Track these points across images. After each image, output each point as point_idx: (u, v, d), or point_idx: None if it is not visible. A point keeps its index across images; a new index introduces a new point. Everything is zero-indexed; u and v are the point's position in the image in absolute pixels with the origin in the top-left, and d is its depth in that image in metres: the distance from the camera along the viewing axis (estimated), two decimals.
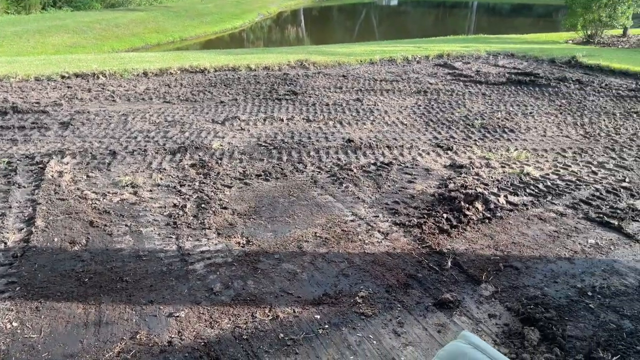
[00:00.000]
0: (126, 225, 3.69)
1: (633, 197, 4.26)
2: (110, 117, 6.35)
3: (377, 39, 20.20)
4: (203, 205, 4.02)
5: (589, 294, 2.94)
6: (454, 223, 3.80)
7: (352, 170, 4.77)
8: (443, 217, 3.88)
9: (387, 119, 6.51)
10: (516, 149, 5.43)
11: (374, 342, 2.56)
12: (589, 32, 14.81)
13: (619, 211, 3.98)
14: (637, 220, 3.83)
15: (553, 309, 2.79)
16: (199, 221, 3.77)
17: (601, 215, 3.91)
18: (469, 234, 3.64)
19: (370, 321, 2.71)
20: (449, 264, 3.25)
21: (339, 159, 5.09)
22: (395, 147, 5.47)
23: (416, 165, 4.97)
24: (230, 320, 2.72)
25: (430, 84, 8.58)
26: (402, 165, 4.96)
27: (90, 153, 5.12)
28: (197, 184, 4.44)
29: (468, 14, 33.30)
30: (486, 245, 3.50)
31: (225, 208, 3.99)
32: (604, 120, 6.48)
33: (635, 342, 2.55)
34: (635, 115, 6.67)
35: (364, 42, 16.66)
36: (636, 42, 14.48)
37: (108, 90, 7.74)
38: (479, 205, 4.05)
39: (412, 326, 2.68)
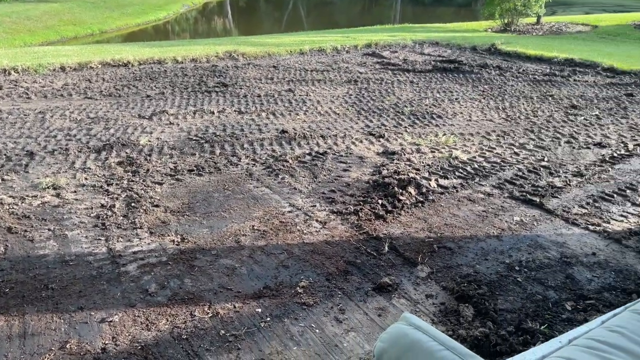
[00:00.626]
0: (49, 230, 3.47)
1: (552, 175, 4.53)
2: (25, 115, 5.93)
3: (305, 29, 20.19)
4: (133, 204, 3.85)
5: (517, 268, 3.10)
6: (389, 208, 3.87)
7: (288, 161, 4.75)
8: (378, 203, 3.94)
9: (320, 109, 6.52)
10: (444, 134, 5.62)
11: (317, 330, 2.57)
12: (506, 21, 15.57)
13: (539, 189, 4.22)
14: (556, 197, 4.08)
15: (485, 285, 2.92)
16: (130, 221, 3.61)
17: (524, 194, 4.13)
18: (403, 218, 3.73)
19: (312, 310, 2.72)
20: (386, 248, 3.31)
21: (273, 151, 5.05)
22: (329, 136, 5.50)
23: (350, 153, 5.03)
24: (168, 320, 2.62)
25: (360, 73, 8.69)
26: (337, 154, 4.99)
27: (5, 155, 4.76)
28: (125, 182, 4.24)
29: (393, 4, 34.01)
30: (420, 228, 3.60)
31: (157, 206, 3.85)
32: (523, 103, 6.85)
33: (560, 310, 2.72)
34: (550, 99, 7.09)
35: (293, 32, 16.59)
36: (549, 29, 15.41)
37: (21, 87, 7.22)
38: (412, 189, 4.15)
39: (354, 312, 2.71)
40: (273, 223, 3.63)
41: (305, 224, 3.63)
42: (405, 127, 5.90)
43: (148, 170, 4.50)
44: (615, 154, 4.96)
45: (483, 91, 7.53)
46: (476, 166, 4.73)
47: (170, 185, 4.22)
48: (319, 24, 22.90)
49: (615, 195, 4.09)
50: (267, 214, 3.77)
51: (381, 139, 5.46)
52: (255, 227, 3.57)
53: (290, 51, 10.49)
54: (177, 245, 3.32)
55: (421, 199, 4.04)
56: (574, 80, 8.23)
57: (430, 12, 28.75)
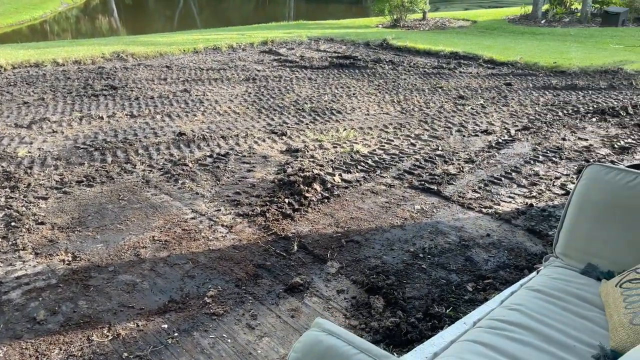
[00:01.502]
0: None
1: (446, 163, 4.77)
2: None
3: (199, 27, 19.60)
4: (13, 224, 3.46)
5: (421, 255, 3.22)
6: (296, 206, 3.84)
7: (188, 165, 4.55)
8: (285, 202, 3.90)
9: (219, 109, 6.34)
10: (345, 129, 5.71)
11: (229, 340, 2.46)
12: (395, 17, 16.23)
13: (436, 177, 4.43)
14: (452, 184, 4.30)
15: (392, 275, 2.99)
16: (10, 243, 3.24)
17: (423, 183, 4.31)
18: (311, 216, 3.72)
19: (223, 320, 2.61)
20: (295, 247, 3.27)
21: (171, 155, 4.81)
22: (231, 136, 5.35)
23: (254, 153, 4.93)
24: (61, 350, 2.38)
25: (258, 71, 8.59)
26: (240, 154, 4.87)
27: None
28: (2, 199, 3.81)
29: (287, 1, 34.15)
30: (328, 224, 3.61)
31: (42, 223, 3.50)
32: (416, 96, 7.16)
33: (463, 292, 2.85)
34: (440, 90, 7.48)
35: (186, 30, 16.03)
36: (434, 24, 16.30)
37: None
38: (317, 186, 4.16)
39: (266, 316, 2.64)
40: (175, 232, 3.45)
41: (210, 230, 3.49)
42: (307, 123, 5.91)
43: (29, 184, 4.08)
44: (500, 140, 5.34)
45: (378, 85, 7.77)
46: (377, 159, 4.85)
47: (57, 200, 3.86)
48: (212, 21, 22.35)
49: (502, 179, 4.39)
50: (168, 222, 3.58)
51: (284, 137, 5.42)
52: (155, 238, 3.36)
53: (184, 50, 10.11)
54: (67, 264, 3.04)
55: (327, 195, 4.05)
56: (460, 72, 8.76)
57: (323, 9, 29.22)
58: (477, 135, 5.52)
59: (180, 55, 9.77)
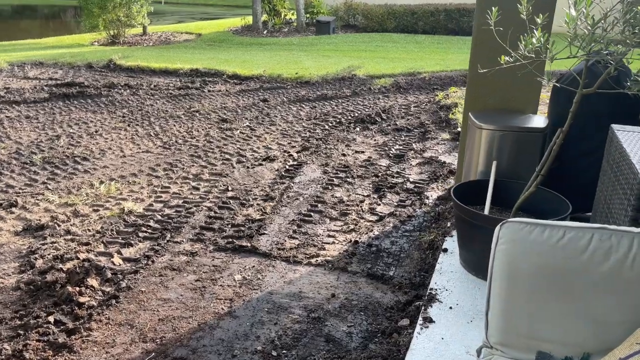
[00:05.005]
0: None
1: (244, 206, 4.06)
2: None
3: None
4: None
5: (274, 354, 2.46)
6: (70, 325, 2.61)
7: None
8: (49, 321, 2.62)
9: None
10: (102, 182, 4.45)
11: None
12: (112, 33, 14.56)
13: (242, 228, 3.69)
14: (263, 233, 3.63)
15: None
16: None
17: (230, 240, 3.52)
18: (99, 334, 2.56)
19: None
20: None
21: None
22: None
23: None
24: None
25: None
26: None
27: None
28: None
29: None
30: (129, 340, 2.52)
31: None
32: (174, 125, 6.22)
33: None
34: (198, 115, 6.69)
35: None
36: (157, 39, 15.23)
37: None
38: (93, 281, 2.96)
39: None
40: None
41: None
42: (44, 182, 4.42)
43: None
44: (287, 167, 4.89)
45: (124, 116, 6.52)
46: (159, 217, 3.83)
47: None
48: None
49: (312, 214, 3.93)
50: None
51: (14, 209, 3.89)
52: None
53: None
54: None
55: (112, 291, 2.90)
56: (209, 91, 8.11)
57: (13, 26, 24.72)
58: (261, 164, 4.96)
59: None
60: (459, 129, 5.79)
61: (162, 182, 4.51)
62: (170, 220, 3.79)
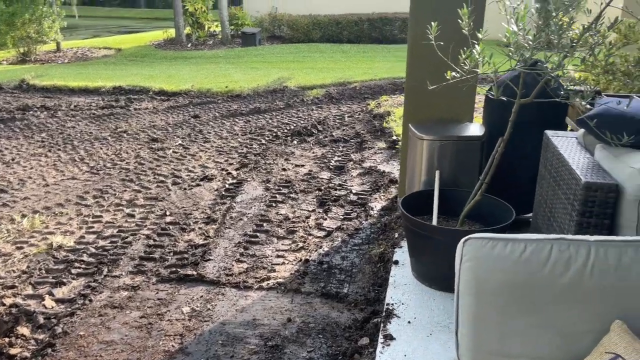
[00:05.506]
0: None
1: (185, 231, 3.88)
2: None
3: None
4: None
5: None
6: None
7: None
8: None
9: None
10: (24, 215, 4.09)
11: None
12: (22, 50, 13.63)
13: (185, 255, 3.51)
14: (209, 259, 3.47)
15: None
16: None
17: (174, 269, 3.33)
18: None
19: None
20: None
21: None
22: None
23: None
24: None
25: None
26: None
27: None
28: None
29: None
30: None
31: None
32: (101, 148, 5.86)
33: None
34: (125, 135, 6.36)
35: None
36: (73, 55, 14.44)
37: None
38: (23, 328, 2.69)
39: None
40: None
41: None
42: None
43: None
44: (227, 186, 4.74)
45: (43, 141, 6.07)
46: (93, 250, 3.57)
47: None
48: None
49: (258, 234, 3.81)
50: None
51: None
52: None
53: None
54: None
55: (47, 339, 2.65)
56: (135, 109, 7.75)
57: None
58: (198, 185, 4.77)
59: None
60: (394, 137, 5.90)
61: (93, 211, 4.21)
62: (105, 253, 3.53)
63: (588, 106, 2.51)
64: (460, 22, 2.11)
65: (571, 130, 3.79)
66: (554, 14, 2.08)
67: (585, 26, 2.05)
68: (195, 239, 3.74)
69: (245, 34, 15.04)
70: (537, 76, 2.59)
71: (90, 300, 2.99)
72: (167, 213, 4.17)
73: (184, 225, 3.95)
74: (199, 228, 3.91)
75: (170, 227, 3.93)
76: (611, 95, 3.51)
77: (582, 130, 2.60)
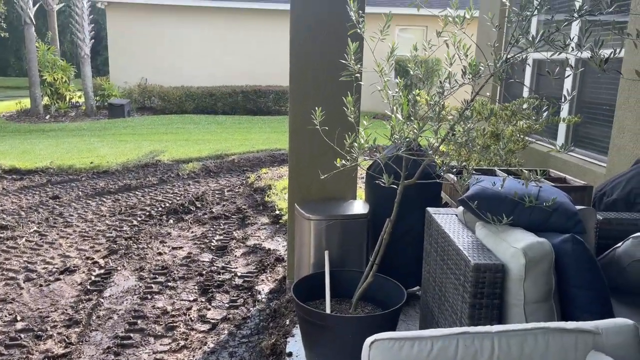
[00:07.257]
0: None
1: (41, 338, 3.28)
2: None
3: None
4: None
5: None
6: None
7: None
8: None
9: None
10: None
11: None
12: None
13: None
14: None
15: None
16: None
17: None
18: None
19: None
20: None
21: None
22: None
23: None
24: None
25: None
26: None
27: None
28: None
29: None
30: None
31: None
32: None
33: None
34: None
35: None
36: None
37: None
38: None
39: None
40: None
41: None
42: None
43: None
44: (92, 278, 4.19)
45: None
46: None
47: None
48: None
49: (132, 334, 3.35)
50: None
51: None
52: None
53: None
54: None
55: None
56: None
57: None
58: (58, 279, 4.17)
59: None
60: (277, 212, 5.80)
61: None
62: None
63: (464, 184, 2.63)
64: (346, 109, 2.10)
65: (445, 203, 3.99)
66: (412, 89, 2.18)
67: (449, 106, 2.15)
68: (54, 348, 3.18)
69: (113, 105, 14.36)
70: (416, 158, 2.67)
71: None
72: (18, 318, 3.53)
73: (40, 332, 3.36)
74: (59, 334, 3.35)
75: (22, 335, 3.31)
76: (477, 169, 3.79)
77: (461, 208, 2.69)
